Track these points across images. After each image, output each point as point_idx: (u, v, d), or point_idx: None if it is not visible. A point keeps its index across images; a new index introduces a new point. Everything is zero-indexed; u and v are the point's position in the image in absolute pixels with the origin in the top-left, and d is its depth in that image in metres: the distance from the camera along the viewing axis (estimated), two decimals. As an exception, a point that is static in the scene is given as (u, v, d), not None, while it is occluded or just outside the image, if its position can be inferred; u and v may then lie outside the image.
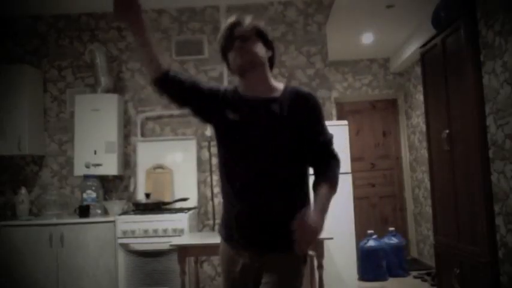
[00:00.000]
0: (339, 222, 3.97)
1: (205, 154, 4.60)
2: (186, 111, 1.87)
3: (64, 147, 4.65)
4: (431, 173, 3.98)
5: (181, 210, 4.08)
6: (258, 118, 1.74)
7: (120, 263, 3.90)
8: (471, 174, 3.25)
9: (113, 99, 4.43)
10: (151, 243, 3.84)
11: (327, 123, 1.83)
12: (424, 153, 5.47)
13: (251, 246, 1.74)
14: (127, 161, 4.61)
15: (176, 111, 4.45)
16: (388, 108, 6.48)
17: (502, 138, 2.99)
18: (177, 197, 4.30)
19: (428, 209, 5.41)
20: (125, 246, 3.89)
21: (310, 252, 3.10)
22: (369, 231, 5.16)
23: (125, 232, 3.88)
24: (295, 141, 1.74)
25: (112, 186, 4.58)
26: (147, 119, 4.67)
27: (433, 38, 3.79)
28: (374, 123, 6.45)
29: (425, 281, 4.92)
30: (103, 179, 4.48)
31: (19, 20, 4.74)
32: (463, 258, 3.38)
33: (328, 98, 4.69)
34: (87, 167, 4.27)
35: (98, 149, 4.30)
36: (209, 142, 4.56)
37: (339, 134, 4.21)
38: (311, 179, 1.80)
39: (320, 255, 3.08)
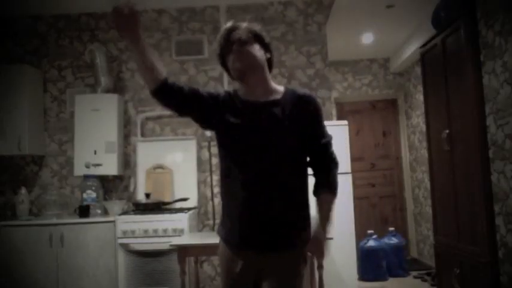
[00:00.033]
0: (339, 222, 3.92)
1: (205, 154, 4.60)
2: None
3: (64, 147, 4.65)
4: (431, 173, 3.98)
5: (181, 210, 4.08)
6: (259, 121, 1.74)
7: (120, 263, 3.90)
8: (471, 174, 3.25)
9: (113, 99, 4.43)
10: (151, 243, 3.84)
11: (326, 123, 1.85)
12: (424, 153, 5.47)
13: (251, 247, 1.74)
14: (127, 161, 4.61)
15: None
16: (388, 108, 6.48)
17: (502, 138, 2.99)
18: (177, 197, 4.30)
19: (428, 209, 5.40)
20: (125, 246, 3.89)
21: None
22: (369, 231, 5.16)
23: (124, 232, 3.88)
24: (296, 143, 1.75)
25: (112, 186, 4.58)
26: (147, 119, 4.67)
27: (433, 38, 3.79)
28: (374, 123, 6.45)
29: (425, 281, 4.91)
30: (103, 179, 4.48)
31: (19, 20, 4.74)
32: (463, 258, 3.38)
33: (328, 98, 4.69)
34: (87, 167, 4.27)
35: (98, 149, 4.30)
36: (209, 142, 4.56)
37: (339, 134, 4.21)
38: (311, 179, 1.81)
39: (320, 255, 3.07)
